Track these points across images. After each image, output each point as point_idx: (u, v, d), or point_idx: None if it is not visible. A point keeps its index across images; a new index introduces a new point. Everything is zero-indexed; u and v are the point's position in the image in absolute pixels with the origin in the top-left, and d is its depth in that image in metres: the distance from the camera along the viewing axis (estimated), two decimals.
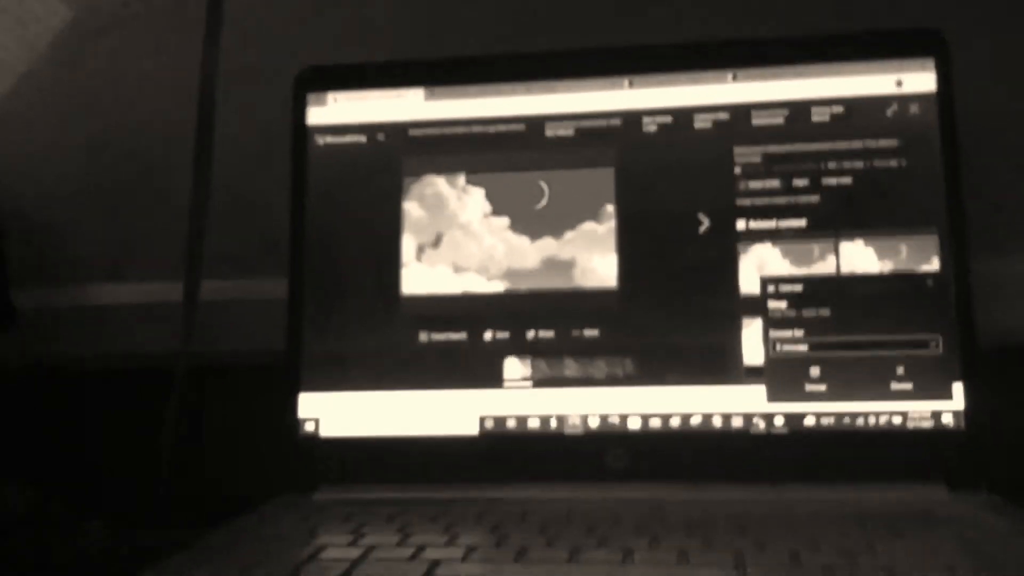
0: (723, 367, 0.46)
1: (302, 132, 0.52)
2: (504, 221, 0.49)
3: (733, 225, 0.48)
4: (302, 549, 0.35)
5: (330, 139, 0.52)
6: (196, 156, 0.50)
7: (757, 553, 0.32)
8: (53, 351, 0.56)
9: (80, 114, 0.59)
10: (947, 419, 0.45)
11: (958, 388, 0.45)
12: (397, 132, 0.51)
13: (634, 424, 0.47)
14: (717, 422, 0.46)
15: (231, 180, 0.54)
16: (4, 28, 0.55)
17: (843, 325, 0.46)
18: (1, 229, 0.51)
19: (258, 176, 0.55)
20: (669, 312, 0.47)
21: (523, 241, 0.49)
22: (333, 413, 0.49)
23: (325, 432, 0.49)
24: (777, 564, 0.31)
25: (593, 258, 0.48)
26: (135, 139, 0.58)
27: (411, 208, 0.50)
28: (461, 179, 0.50)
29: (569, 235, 0.49)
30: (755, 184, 0.48)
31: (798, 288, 0.47)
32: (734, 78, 0.49)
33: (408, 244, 0.50)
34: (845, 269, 0.47)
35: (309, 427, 0.49)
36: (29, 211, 0.56)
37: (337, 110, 0.52)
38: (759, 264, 0.47)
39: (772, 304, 0.47)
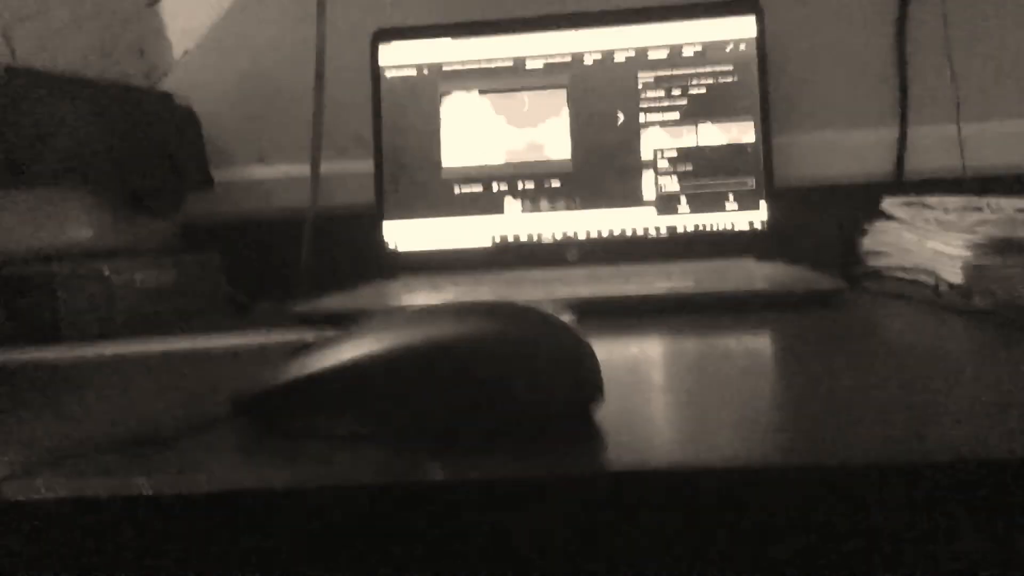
0: (632, 199, 0.81)
1: (376, 67, 0.85)
2: (503, 118, 0.83)
3: (638, 118, 0.82)
4: (399, 295, 0.70)
5: (393, 72, 0.85)
6: (315, 84, 0.83)
7: (648, 280, 0.67)
8: (231, 208, 0.89)
9: (239, 55, 0.91)
10: (756, 224, 0.80)
11: (763, 207, 0.79)
12: (435, 66, 0.84)
13: (580, 235, 0.81)
14: (627, 231, 0.81)
15: (336, 98, 0.87)
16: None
17: (699, 173, 0.80)
18: (199, 131, 0.84)
19: (352, 96, 0.88)
20: (601, 170, 0.82)
21: (514, 130, 0.83)
22: (405, 236, 0.83)
23: (400, 248, 0.83)
24: (653, 279, 0.66)
25: (557, 140, 0.82)
26: (275, 73, 0.91)
27: (446, 113, 0.84)
28: (476, 94, 0.84)
29: (543, 126, 0.83)
30: (650, 93, 0.82)
31: (674, 153, 0.81)
32: (637, 28, 0.82)
33: (445, 135, 0.84)
34: (702, 142, 0.81)
35: (391, 245, 0.83)
36: (211, 122, 0.89)
37: (396, 55, 0.85)
38: (652, 140, 0.81)
39: (659, 163, 0.81)
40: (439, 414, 0.27)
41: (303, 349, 0.30)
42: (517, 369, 0.27)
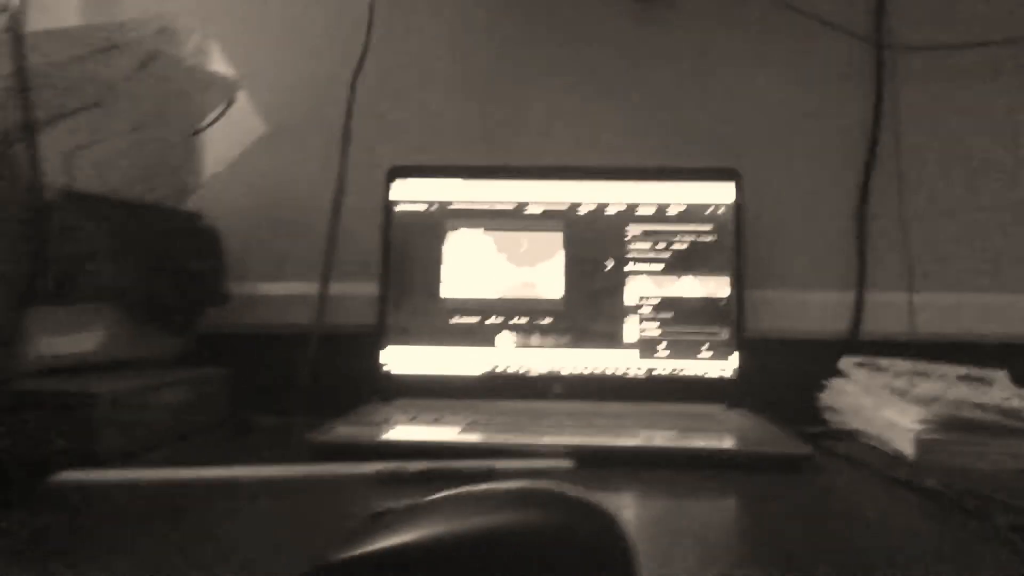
0: (616, 341, 0.88)
1: (388, 201, 0.92)
2: (503, 256, 0.90)
3: (624, 266, 0.89)
4: (390, 420, 0.75)
5: (403, 207, 0.92)
6: (332, 211, 0.89)
7: (631, 427, 0.74)
8: (247, 321, 0.95)
9: (263, 179, 0.98)
10: (727, 372, 0.87)
11: (734, 357, 0.87)
12: (444, 204, 0.92)
13: (566, 371, 0.88)
14: (609, 370, 0.87)
15: (348, 227, 0.94)
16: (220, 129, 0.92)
17: (678, 321, 0.88)
18: (221, 249, 0.89)
19: (363, 226, 0.95)
20: (589, 312, 0.89)
21: (512, 268, 0.90)
22: (402, 360, 0.89)
23: (396, 371, 0.89)
24: (633, 427, 0.72)
25: (550, 281, 0.90)
26: (296, 198, 0.98)
27: (449, 247, 0.91)
28: (480, 232, 0.91)
29: (538, 266, 0.90)
30: (637, 245, 0.90)
31: (656, 301, 0.89)
32: (629, 185, 0.91)
33: (446, 268, 0.90)
34: (681, 293, 0.89)
35: (387, 368, 0.89)
36: (231, 244, 0.94)
37: (407, 190, 0.92)
38: (637, 288, 0.89)
39: (642, 310, 0.88)
40: None
41: (378, 517, 0.35)
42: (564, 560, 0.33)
